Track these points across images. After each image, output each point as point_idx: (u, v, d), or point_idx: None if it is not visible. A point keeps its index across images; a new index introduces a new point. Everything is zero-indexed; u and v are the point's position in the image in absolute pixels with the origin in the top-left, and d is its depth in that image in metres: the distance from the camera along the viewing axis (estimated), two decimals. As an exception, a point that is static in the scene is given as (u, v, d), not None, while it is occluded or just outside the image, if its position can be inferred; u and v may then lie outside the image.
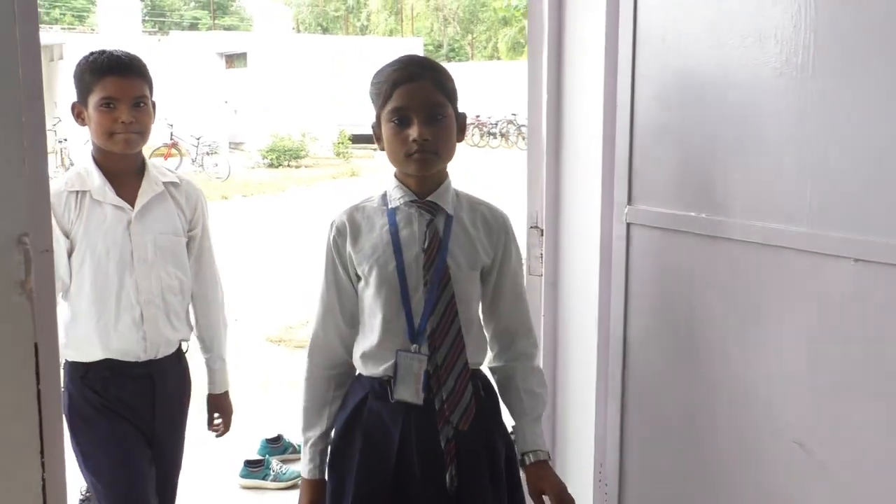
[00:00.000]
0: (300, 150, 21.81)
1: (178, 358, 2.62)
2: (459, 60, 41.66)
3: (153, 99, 2.60)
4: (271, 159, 21.29)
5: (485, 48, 42.33)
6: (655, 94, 2.27)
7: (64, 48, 22.78)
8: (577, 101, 2.50)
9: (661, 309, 2.32)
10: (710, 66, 2.13)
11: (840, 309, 1.90)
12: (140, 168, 2.57)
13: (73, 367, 2.50)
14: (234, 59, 25.96)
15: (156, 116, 2.59)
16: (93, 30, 28.93)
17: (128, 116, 2.44)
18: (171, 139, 20.27)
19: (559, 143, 2.56)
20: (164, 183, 2.58)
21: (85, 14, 46.46)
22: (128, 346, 2.46)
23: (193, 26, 47.01)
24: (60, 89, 23.16)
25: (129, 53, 2.57)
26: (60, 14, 48.16)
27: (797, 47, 1.93)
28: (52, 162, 17.57)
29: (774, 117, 2.00)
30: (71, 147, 18.95)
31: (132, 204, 2.48)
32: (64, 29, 30.06)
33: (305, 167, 21.16)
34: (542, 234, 2.60)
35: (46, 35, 24.60)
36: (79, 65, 2.55)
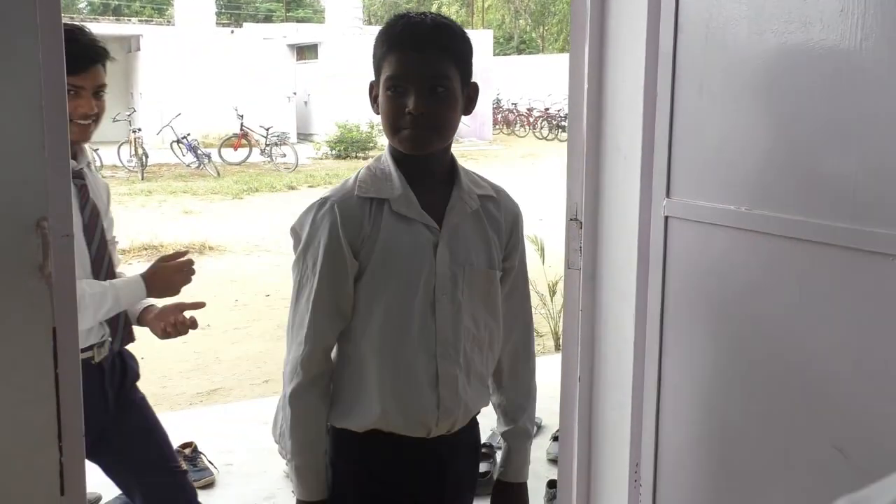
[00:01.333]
0: (368, 140, 21.95)
1: (473, 433, 2.13)
2: (530, 53, 41.45)
3: (463, 84, 1.94)
4: (339, 150, 21.47)
5: (556, 41, 42.02)
6: (696, 85, 2.20)
7: (141, 40, 23.28)
8: (618, 93, 2.44)
9: (699, 304, 2.25)
10: (753, 54, 2.05)
11: (884, 308, 1.81)
12: (449, 173, 1.99)
13: (338, 436, 1.96)
14: (304, 51, 26.24)
15: (471, 105, 1.98)
16: (169, 22, 29.52)
17: (416, 106, 1.81)
18: (242, 129, 20.58)
19: (599, 136, 2.50)
20: (478, 196, 2.01)
21: (164, 7, 47.47)
22: (417, 414, 1.92)
23: (268, 18, 47.64)
24: (138, 80, 23.73)
25: (438, 17, 1.88)
26: (140, 6, 49.28)
27: (845, 32, 1.84)
28: (126, 152, 17.97)
29: (820, 107, 1.91)
30: (145, 137, 19.42)
31: (439, 222, 1.92)
32: (142, 21, 30.73)
33: (373, 158, 21.27)
34: (580, 227, 2.54)
35: (125, 27, 25.19)
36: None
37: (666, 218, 2.28)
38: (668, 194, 2.28)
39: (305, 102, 25.04)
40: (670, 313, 2.33)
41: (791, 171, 1.98)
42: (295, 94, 25.17)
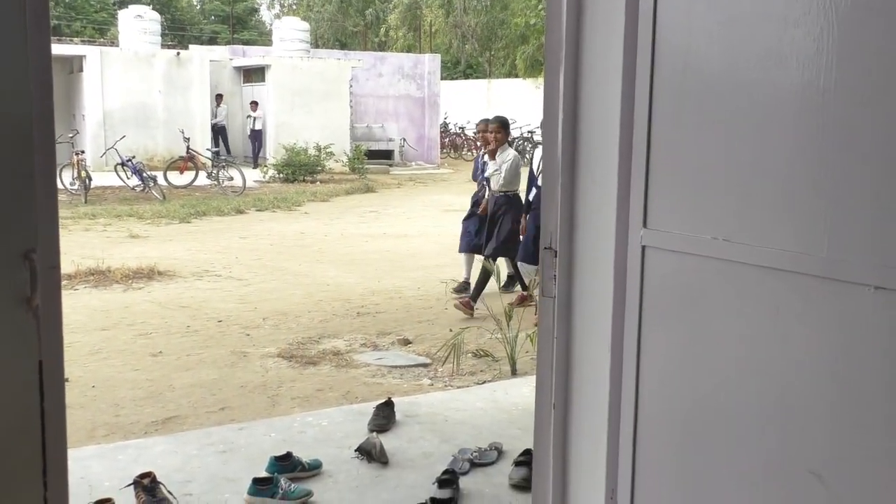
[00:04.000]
0: (315, 164, 21.87)
1: None
2: (477, 77, 41.76)
3: None
4: (287, 173, 21.34)
5: (503, 65, 42.39)
6: (673, 116, 2.25)
7: (84, 60, 22.93)
8: (593, 122, 2.48)
9: (676, 333, 2.28)
10: (729, 88, 2.10)
11: (860, 337, 1.86)
12: None
13: None
14: (251, 74, 26.08)
15: None
16: (113, 42, 29.14)
17: None
18: (188, 152, 20.36)
19: (574, 165, 2.53)
20: None
21: (106, 27, 46.87)
22: None
23: (213, 40, 47.35)
24: (81, 101, 23.34)
25: None
26: (81, 26, 48.60)
27: (819, 70, 1.90)
28: (69, 175, 17.65)
29: (794, 140, 1.97)
30: (89, 160, 19.08)
31: None
32: (84, 41, 30.29)
33: (321, 182, 21.21)
34: (555, 256, 2.57)
35: (67, 47, 24.80)
36: None
37: (643, 247, 2.31)
38: (645, 224, 2.31)
39: (252, 126, 24.85)
40: (646, 341, 2.36)
41: (767, 202, 2.03)
42: (248, 116, 25.02)
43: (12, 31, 1.51)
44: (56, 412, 1.59)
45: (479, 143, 30.97)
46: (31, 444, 1.58)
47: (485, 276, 7.94)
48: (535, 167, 7.99)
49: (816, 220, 1.93)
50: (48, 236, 1.58)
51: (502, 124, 8.44)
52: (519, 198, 8.28)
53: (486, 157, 8.53)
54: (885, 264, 1.80)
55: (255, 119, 24.55)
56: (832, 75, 1.87)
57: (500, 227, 8.20)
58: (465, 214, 9.04)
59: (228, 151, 24.79)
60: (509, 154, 8.29)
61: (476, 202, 8.78)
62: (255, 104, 24.50)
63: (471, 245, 8.76)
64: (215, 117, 25.11)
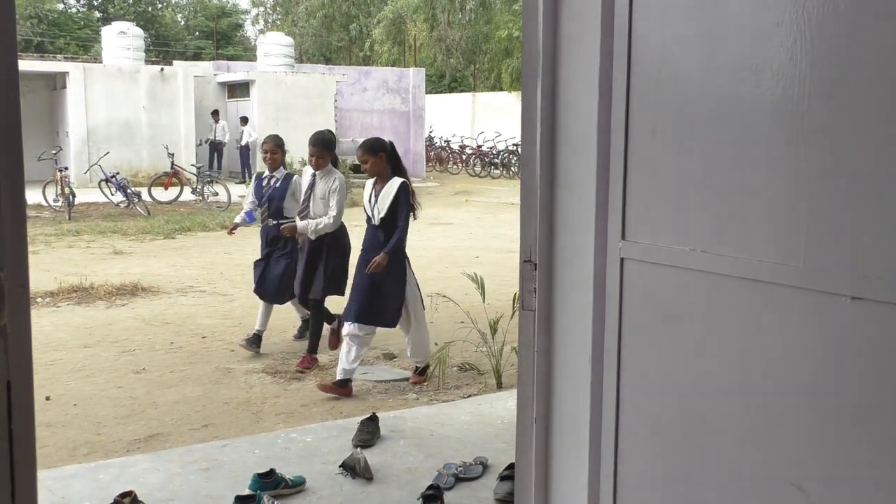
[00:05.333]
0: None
1: None
2: (462, 91, 41.86)
3: None
4: (272, 188, 21.27)
5: (487, 79, 42.52)
6: (650, 127, 2.25)
7: (67, 77, 22.85)
8: (571, 134, 2.47)
9: (656, 345, 2.28)
10: (705, 99, 2.10)
11: (837, 348, 1.86)
12: None
13: None
14: (236, 89, 26.05)
15: None
16: (96, 59, 29.07)
17: None
18: (172, 168, 20.30)
19: (553, 178, 2.52)
20: None
21: (90, 44, 46.77)
22: None
23: (197, 56, 47.31)
24: (65, 117, 23.26)
25: None
26: (65, 43, 48.48)
27: (793, 80, 1.90)
28: (52, 191, 17.54)
29: (769, 151, 1.96)
30: (73, 176, 19.00)
31: None
32: (68, 58, 30.19)
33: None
34: (535, 269, 2.56)
35: (50, 64, 24.70)
36: None
37: (622, 259, 2.31)
38: (623, 236, 2.31)
39: (237, 141, 24.80)
40: (627, 353, 2.35)
41: (744, 213, 2.03)
42: (229, 134, 24.97)
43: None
44: (25, 434, 1.56)
45: (463, 157, 31.18)
46: (-1, 467, 1.55)
47: (319, 320, 6.94)
48: (317, 192, 6.71)
49: (794, 231, 1.92)
50: (16, 254, 1.55)
51: (325, 145, 6.70)
52: (345, 228, 6.91)
53: (316, 176, 6.76)
54: (861, 274, 1.79)
55: (243, 134, 24.48)
56: (805, 85, 1.87)
57: (326, 263, 6.69)
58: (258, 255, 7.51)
59: (220, 168, 24.62)
60: (335, 179, 6.68)
61: (274, 238, 7.21)
62: (244, 119, 24.44)
63: (273, 291, 7.27)
64: (213, 133, 24.97)
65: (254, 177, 7.78)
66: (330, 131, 7.14)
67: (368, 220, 6.37)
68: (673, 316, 2.22)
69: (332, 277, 6.78)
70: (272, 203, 7.26)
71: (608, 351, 2.39)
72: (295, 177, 7.35)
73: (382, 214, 6.19)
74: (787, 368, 1.95)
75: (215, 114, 25.11)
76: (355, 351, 6.12)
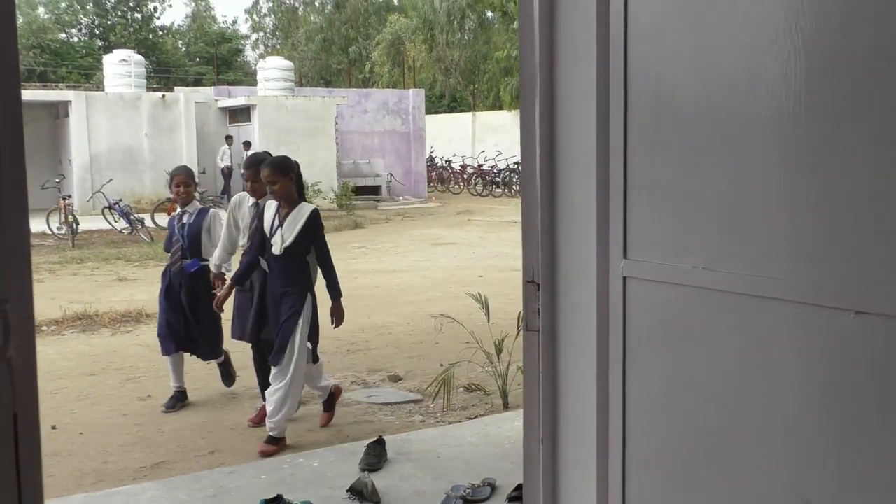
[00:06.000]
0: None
1: None
2: (462, 110, 42.00)
3: None
4: (275, 212, 21.34)
5: (487, 98, 42.67)
6: (649, 145, 2.25)
7: (70, 106, 22.97)
8: (570, 154, 2.48)
9: (661, 363, 2.27)
10: (702, 116, 2.11)
11: (842, 363, 1.85)
12: None
13: None
14: (237, 114, 26.16)
15: None
16: (98, 87, 29.23)
17: None
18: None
19: (553, 197, 2.53)
20: None
21: (92, 72, 47.03)
22: None
23: (198, 81, 47.53)
24: (68, 146, 23.36)
25: None
26: (67, 72, 48.76)
27: (788, 95, 1.91)
28: (56, 219, 17.58)
29: (768, 166, 1.97)
30: (76, 204, 19.06)
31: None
32: (70, 87, 30.38)
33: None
34: (538, 289, 2.56)
35: (52, 93, 24.84)
36: None
37: (624, 278, 2.31)
38: (625, 255, 2.31)
39: (239, 164, 24.88)
40: (631, 372, 2.35)
41: (745, 229, 2.03)
42: (221, 161, 25.03)
43: (-19, 82, 1.51)
44: (31, 464, 1.56)
45: (465, 176, 31.24)
46: (6, 499, 1.55)
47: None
48: (242, 224, 6.13)
49: (795, 246, 1.93)
50: (21, 286, 1.56)
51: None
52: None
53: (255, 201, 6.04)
54: (864, 288, 1.79)
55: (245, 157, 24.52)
56: (801, 100, 1.88)
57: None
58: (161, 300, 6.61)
59: (227, 193, 24.41)
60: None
61: (202, 282, 6.35)
62: (247, 144, 24.50)
63: (181, 341, 6.50)
64: (222, 159, 24.91)
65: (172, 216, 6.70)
66: (268, 152, 6.40)
67: (252, 248, 5.71)
68: (677, 334, 2.22)
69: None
70: (189, 241, 6.40)
71: (613, 370, 2.39)
72: (211, 210, 6.54)
73: (288, 243, 5.44)
74: (792, 384, 1.95)
75: (228, 139, 25.07)
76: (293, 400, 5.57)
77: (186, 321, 6.43)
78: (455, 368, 6.50)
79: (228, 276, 6.07)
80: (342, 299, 5.73)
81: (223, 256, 6.24)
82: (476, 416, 6.09)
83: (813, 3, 1.85)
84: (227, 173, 24.55)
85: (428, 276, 12.78)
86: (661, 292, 2.23)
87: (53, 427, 5.92)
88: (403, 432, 5.67)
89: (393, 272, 13.43)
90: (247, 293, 5.93)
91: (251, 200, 6.04)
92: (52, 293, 11.35)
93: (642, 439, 2.35)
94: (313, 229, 5.56)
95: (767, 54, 1.94)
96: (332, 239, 18.66)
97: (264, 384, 5.76)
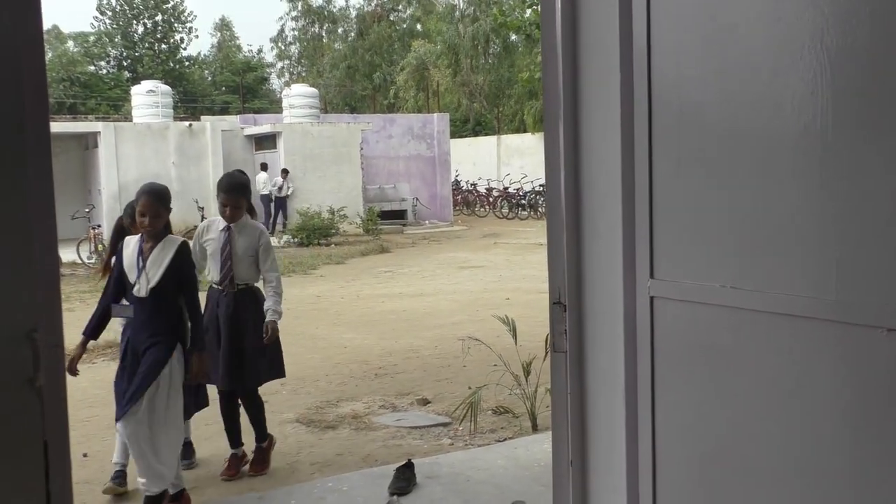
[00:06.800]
0: (329, 227, 22.00)
1: None
2: (486, 134, 42.12)
3: None
4: (301, 238, 21.46)
5: (512, 121, 42.78)
6: (674, 165, 2.25)
7: (99, 136, 23.29)
8: (595, 175, 2.48)
9: (690, 383, 2.25)
10: (728, 135, 2.10)
11: (874, 381, 1.83)
12: None
13: None
14: (263, 142, 26.39)
15: None
16: (126, 118, 29.65)
17: None
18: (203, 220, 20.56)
19: (579, 219, 2.53)
20: None
21: (120, 103, 47.72)
22: None
23: (224, 110, 48.10)
24: (97, 176, 23.68)
25: None
26: (96, 104, 49.50)
27: (815, 113, 1.90)
28: (87, 248, 17.77)
29: (795, 184, 1.96)
30: (105, 233, 19.25)
31: None
32: (99, 118, 30.82)
33: (335, 245, 21.29)
34: (565, 310, 2.55)
35: (82, 124, 25.21)
36: None
37: (651, 298, 2.30)
38: (652, 274, 2.30)
39: (269, 193, 25.12)
40: (660, 393, 2.33)
41: (773, 247, 2.01)
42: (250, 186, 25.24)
43: (10, 110, 1.53)
44: (62, 494, 1.57)
45: (490, 200, 31.29)
46: (38, 527, 1.56)
47: (260, 406, 5.57)
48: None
49: (824, 263, 1.91)
50: (50, 315, 1.58)
51: (241, 191, 5.25)
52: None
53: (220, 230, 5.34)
54: (896, 305, 1.77)
55: (283, 186, 24.58)
56: (829, 117, 1.87)
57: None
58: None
59: (285, 225, 23.90)
60: (260, 232, 5.42)
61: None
62: (285, 171, 24.53)
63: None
64: (280, 190, 24.65)
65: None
66: (241, 171, 5.68)
67: (114, 289, 4.91)
68: (706, 353, 2.19)
69: (275, 357, 5.44)
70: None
71: (641, 390, 2.37)
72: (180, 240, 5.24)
73: (153, 283, 4.65)
74: (824, 403, 1.92)
75: (264, 166, 25.06)
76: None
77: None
78: (483, 391, 6.47)
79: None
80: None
81: None
82: (505, 439, 6.06)
83: (839, 20, 1.84)
84: (271, 201, 24.63)
85: (455, 299, 12.77)
86: (688, 312, 2.22)
87: (85, 455, 5.95)
88: (432, 455, 5.64)
89: (420, 296, 13.44)
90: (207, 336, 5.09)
91: (222, 224, 5.32)
92: (82, 322, 11.42)
93: (673, 460, 2.33)
94: (180, 265, 4.74)
95: (793, 72, 1.93)
96: (359, 263, 18.66)
97: (231, 430, 5.43)
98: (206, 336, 4.99)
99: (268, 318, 5.21)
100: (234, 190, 5.24)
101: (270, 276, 5.33)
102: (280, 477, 5.46)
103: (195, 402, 5.26)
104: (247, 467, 5.48)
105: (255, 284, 5.38)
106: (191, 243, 5.19)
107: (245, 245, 5.27)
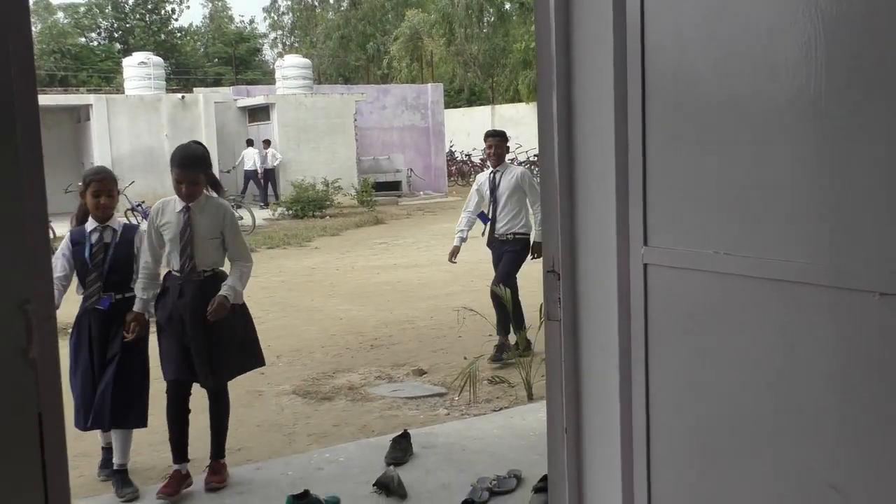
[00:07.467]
0: (324, 199, 21.95)
1: None
2: (481, 104, 41.92)
3: None
4: (296, 210, 21.41)
5: (506, 91, 42.57)
6: (667, 133, 2.24)
7: (91, 109, 23.16)
8: (588, 142, 2.47)
9: (684, 349, 2.26)
10: (722, 101, 2.09)
11: (867, 345, 1.83)
12: None
13: None
14: (257, 113, 26.25)
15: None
16: (118, 90, 29.47)
17: None
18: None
19: (572, 187, 2.52)
20: None
21: (112, 76, 47.38)
22: None
23: (217, 82, 47.77)
24: (90, 149, 23.56)
25: None
26: (88, 76, 49.15)
27: (809, 78, 1.89)
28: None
29: (790, 149, 1.95)
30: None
31: None
32: (90, 91, 30.62)
33: (330, 216, 21.26)
34: (558, 279, 2.55)
35: (73, 97, 25.04)
36: None
37: (645, 265, 2.30)
38: (645, 242, 2.30)
39: (261, 165, 25.00)
40: (654, 360, 2.34)
41: (766, 213, 2.01)
42: (235, 165, 25.14)
43: (-2, 84, 1.52)
44: (57, 464, 1.57)
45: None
46: (33, 499, 1.56)
47: (227, 409, 4.88)
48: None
49: (818, 229, 1.90)
50: (42, 287, 1.57)
51: (200, 164, 4.63)
52: None
53: None
54: (889, 270, 1.77)
55: (267, 157, 24.51)
56: (822, 82, 1.86)
57: (235, 330, 4.72)
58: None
59: (277, 196, 24.08)
60: (223, 210, 4.76)
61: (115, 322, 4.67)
62: (267, 142, 24.50)
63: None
64: (265, 162, 24.68)
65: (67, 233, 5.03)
66: (198, 142, 4.99)
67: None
68: (699, 319, 2.20)
69: (250, 346, 4.92)
70: (117, 267, 4.70)
71: (635, 357, 2.38)
72: (140, 228, 4.99)
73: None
74: (817, 368, 1.93)
75: (266, 143, 24.81)
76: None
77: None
78: (479, 361, 6.49)
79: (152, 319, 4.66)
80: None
81: (149, 285, 4.62)
82: (501, 409, 6.09)
83: (831, -18, 1.83)
84: (258, 175, 24.52)
85: (449, 270, 12.74)
86: (682, 278, 2.22)
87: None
88: (428, 426, 5.67)
89: (415, 267, 13.45)
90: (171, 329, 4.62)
91: (180, 205, 4.60)
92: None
93: (667, 426, 2.34)
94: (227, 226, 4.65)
95: (786, 37, 1.92)
96: (353, 235, 18.66)
97: (178, 440, 4.73)
98: (167, 329, 4.61)
99: (221, 291, 4.53)
100: (190, 164, 4.52)
101: (236, 255, 4.69)
102: (277, 448, 5.49)
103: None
104: (189, 489, 4.66)
105: (222, 269, 4.73)
106: (144, 228, 4.79)
107: (208, 226, 4.58)
